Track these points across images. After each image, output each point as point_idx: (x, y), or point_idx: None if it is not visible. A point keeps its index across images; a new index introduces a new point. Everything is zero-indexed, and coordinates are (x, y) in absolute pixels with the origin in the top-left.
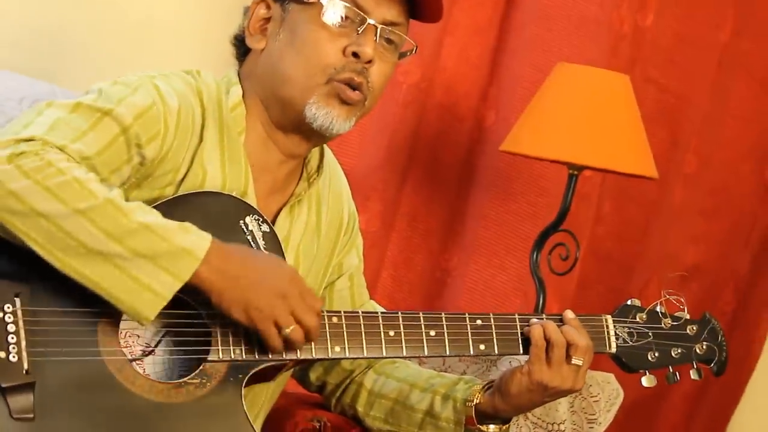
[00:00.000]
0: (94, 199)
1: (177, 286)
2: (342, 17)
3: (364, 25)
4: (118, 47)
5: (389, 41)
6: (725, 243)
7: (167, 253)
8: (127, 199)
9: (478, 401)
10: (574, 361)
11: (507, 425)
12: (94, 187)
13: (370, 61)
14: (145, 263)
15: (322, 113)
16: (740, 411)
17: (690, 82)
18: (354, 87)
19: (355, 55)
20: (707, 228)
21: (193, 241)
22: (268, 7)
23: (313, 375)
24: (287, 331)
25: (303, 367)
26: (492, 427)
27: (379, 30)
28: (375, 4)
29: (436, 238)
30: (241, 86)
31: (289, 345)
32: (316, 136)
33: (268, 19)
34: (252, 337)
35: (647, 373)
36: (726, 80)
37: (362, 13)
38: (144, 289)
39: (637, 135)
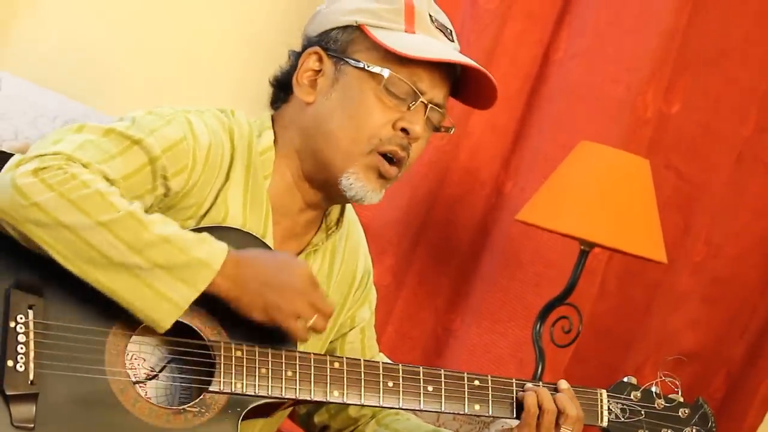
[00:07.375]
0: (116, 212)
1: (194, 296)
2: (399, 92)
3: (416, 103)
4: (156, 76)
5: (429, 120)
6: (723, 331)
7: (185, 264)
8: None
9: None
10: (562, 429)
11: None
12: (116, 200)
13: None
14: (163, 274)
15: (358, 185)
16: None
17: (709, 172)
18: (394, 160)
19: (404, 130)
20: (707, 315)
21: (209, 252)
22: (320, 60)
23: (318, 419)
24: (311, 322)
25: (309, 410)
26: None
27: (428, 109)
28: (430, 86)
29: (443, 298)
30: (274, 131)
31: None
32: (342, 199)
33: (317, 71)
34: (254, 372)
35: None
36: (744, 173)
37: (419, 92)
38: (162, 299)
39: (650, 219)
